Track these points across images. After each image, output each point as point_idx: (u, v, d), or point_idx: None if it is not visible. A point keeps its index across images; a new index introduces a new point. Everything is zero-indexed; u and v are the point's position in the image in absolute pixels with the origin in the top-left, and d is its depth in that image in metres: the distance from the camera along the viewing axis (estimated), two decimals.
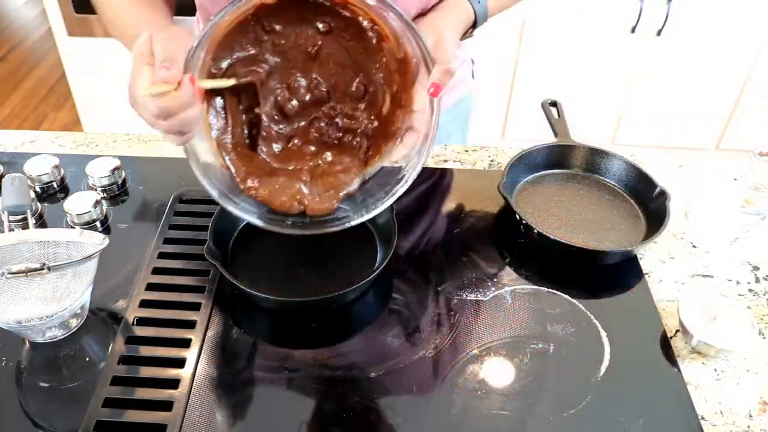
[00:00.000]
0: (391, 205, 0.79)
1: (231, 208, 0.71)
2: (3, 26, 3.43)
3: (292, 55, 0.72)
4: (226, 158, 0.73)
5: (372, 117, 0.73)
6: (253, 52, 0.71)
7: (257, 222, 0.72)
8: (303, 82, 0.73)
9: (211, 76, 0.70)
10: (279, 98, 0.74)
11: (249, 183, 0.73)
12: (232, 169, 0.73)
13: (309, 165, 0.75)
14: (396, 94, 0.71)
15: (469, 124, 1.15)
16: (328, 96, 0.74)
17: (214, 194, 0.70)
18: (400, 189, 0.71)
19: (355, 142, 0.75)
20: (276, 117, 0.75)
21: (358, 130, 0.74)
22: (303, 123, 0.75)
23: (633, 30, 1.93)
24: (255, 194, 0.73)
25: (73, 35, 2.03)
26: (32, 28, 3.41)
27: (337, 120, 0.75)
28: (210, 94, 0.71)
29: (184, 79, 0.59)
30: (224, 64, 0.70)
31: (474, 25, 0.79)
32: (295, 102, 0.74)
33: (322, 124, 0.75)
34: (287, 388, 0.66)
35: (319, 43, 0.71)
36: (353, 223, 0.72)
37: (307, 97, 0.74)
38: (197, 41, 0.63)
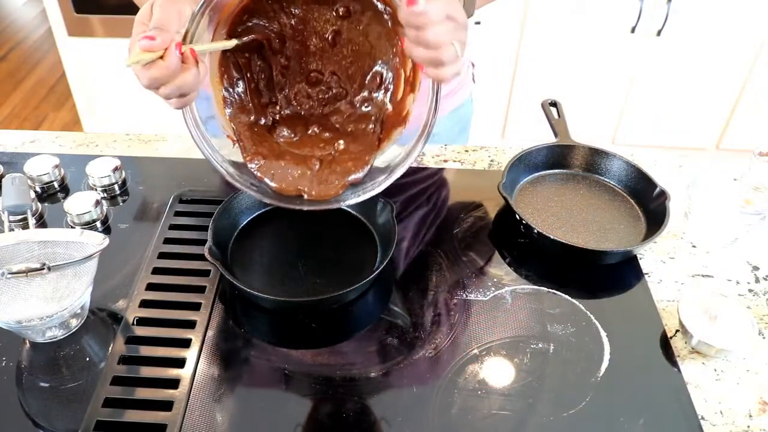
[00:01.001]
0: (391, 205, 0.79)
1: (222, 171, 0.72)
2: (3, 26, 3.43)
3: (311, 42, 0.73)
4: (238, 134, 0.74)
5: (389, 103, 0.74)
6: (271, 28, 0.72)
7: (249, 191, 0.73)
8: (324, 72, 0.74)
9: (224, 58, 0.72)
10: (298, 88, 0.75)
11: (256, 162, 0.74)
12: (241, 144, 0.74)
13: (321, 153, 0.76)
14: (408, 78, 0.72)
15: (470, 128, 1.15)
16: (347, 86, 0.75)
17: (214, 162, 0.71)
18: (399, 171, 0.71)
19: (369, 129, 0.75)
20: (295, 104, 0.76)
21: (373, 117, 0.75)
22: (321, 111, 0.76)
23: (633, 30, 1.93)
24: (260, 174, 0.74)
25: (73, 35, 2.03)
26: (32, 28, 3.41)
27: (356, 109, 0.75)
28: (228, 71, 0.73)
29: (170, 46, 0.58)
30: (240, 39, 0.71)
31: None
32: (314, 92, 0.75)
33: (341, 114, 0.76)
34: (287, 388, 0.66)
35: (337, 28, 0.71)
36: (348, 203, 0.73)
37: (327, 90, 0.75)
38: (199, 6, 0.62)
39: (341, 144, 0.76)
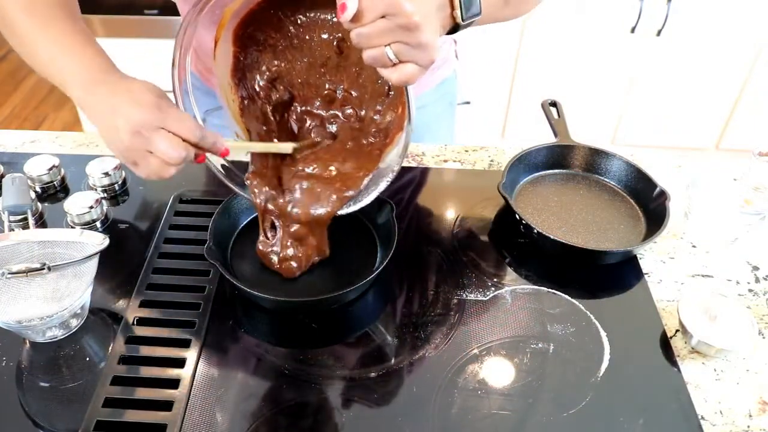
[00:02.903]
0: (391, 205, 0.79)
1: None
2: None
3: (319, 53, 0.73)
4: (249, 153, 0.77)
5: (398, 109, 0.74)
6: (279, 45, 0.73)
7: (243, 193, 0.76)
8: (336, 89, 0.75)
9: (239, 67, 0.74)
10: (310, 118, 0.77)
11: (255, 184, 0.75)
12: (252, 155, 0.77)
13: (323, 174, 0.76)
14: None
15: (455, 106, 1.14)
16: (358, 101, 0.75)
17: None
18: (383, 183, 0.72)
19: (372, 141, 0.75)
20: (308, 126, 0.77)
21: (378, 127, 0.75)
22: (334, 134, 0.77)
23: (633, 30, 1.93)
24: (258, 193, 0.75)
25: None
26: None
27: (366, 121, 0.75)
28: (243, 82, 0.75)
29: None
30: (259, 67, 0.74)
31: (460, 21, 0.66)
32: (327, 114, 0.76)
33: (352, 130, 0.76)
34: (287, 387, 0.66)
35: (341, 34, 0.71)
36: (341, 213, 0.74)
37: (341, 108, 0.75)
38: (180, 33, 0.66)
39: (344, 164, 0.76)
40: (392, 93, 0.73)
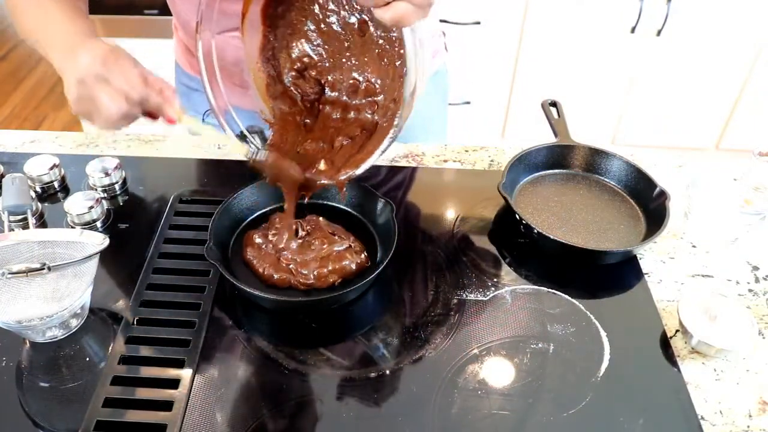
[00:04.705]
0: (391, 205, 0.79)
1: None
2: (3, 26, 3.43)
3: (343, 35, 0.73)
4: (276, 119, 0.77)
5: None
6: (306, 27, 0.73)
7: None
8: (359, 77, 0.74)
9: (267, 46, 0.75)
10: (334, 105, 0.76)
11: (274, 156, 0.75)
12: (273, 129, 0.77)
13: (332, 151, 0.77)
14: None
15: (447, 98, 1.13)
16: (381, 85, 0.74)
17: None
18: (386, 141, 0.71)
19: (388, 122, 0.75)
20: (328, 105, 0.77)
21: (395, 111, 0.75)
22: (351, 114, 0.77)
23: (633, 30, 1.93)
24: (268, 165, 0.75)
25: None
26: None
27: (385, 108, 0.75)
28: (271, 61, 0.76)
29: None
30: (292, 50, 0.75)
31: None
32: (347, 98, 0.76)
33: (376, 110, 0.76)
34: (287, 388, 0.66)
35: (366, 16, 0.71)
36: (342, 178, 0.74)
37: (363, 98, 0.75)
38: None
39: (363, 142, 0.75)
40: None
